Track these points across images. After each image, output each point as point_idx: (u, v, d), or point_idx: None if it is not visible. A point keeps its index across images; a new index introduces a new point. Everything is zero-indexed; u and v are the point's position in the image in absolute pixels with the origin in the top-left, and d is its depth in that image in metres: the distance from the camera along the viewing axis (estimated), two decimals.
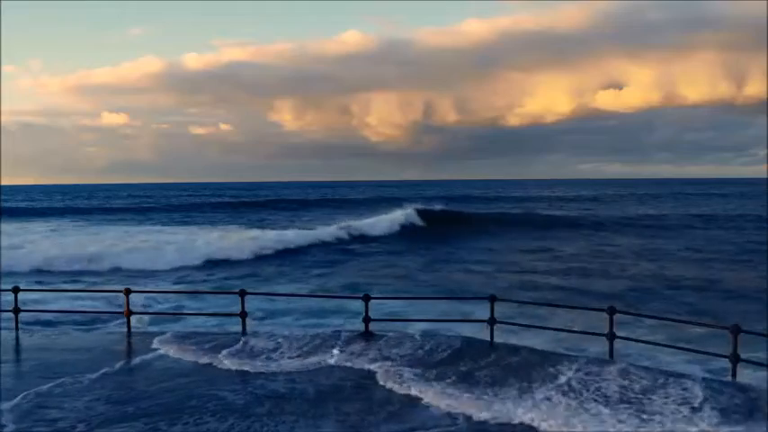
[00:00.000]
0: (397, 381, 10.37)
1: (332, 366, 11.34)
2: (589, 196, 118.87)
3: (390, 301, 19.01)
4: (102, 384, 10.19)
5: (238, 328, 13.80)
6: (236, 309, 13.96)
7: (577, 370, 10.60)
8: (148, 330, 15.19)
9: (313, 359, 11.72)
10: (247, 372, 11.11)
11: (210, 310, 17.45)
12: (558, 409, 9.01)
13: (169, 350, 12.34)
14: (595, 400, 9.33)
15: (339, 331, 13.48)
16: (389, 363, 11.35)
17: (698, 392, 9.44)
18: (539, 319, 16.22)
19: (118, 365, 11.26)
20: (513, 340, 13.35)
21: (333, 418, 8.86)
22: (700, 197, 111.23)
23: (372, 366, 11.19)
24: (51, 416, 8.87)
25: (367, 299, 13.17)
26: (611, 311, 11.36)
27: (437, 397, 9.64)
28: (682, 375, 10.43)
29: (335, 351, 12.09)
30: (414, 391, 9.87)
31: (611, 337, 11.40)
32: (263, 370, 11.17)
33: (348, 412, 9.04)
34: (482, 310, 13.97)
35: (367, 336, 12.95)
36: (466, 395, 9.69)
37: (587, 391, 9.72)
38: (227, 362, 11.63)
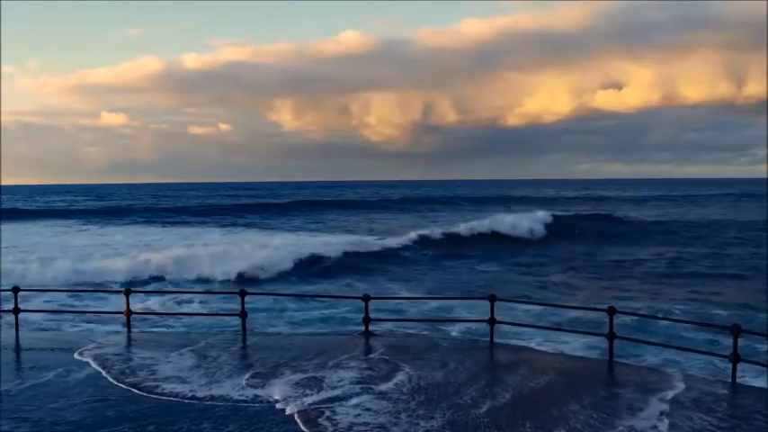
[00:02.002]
0: None
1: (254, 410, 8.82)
2: (650, 196, 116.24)
3: None
4: (81, 388, 9.95)
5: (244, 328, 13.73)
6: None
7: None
8: (152, 330, 15.19)
9: (250, 391, 9.56)
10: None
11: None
12: None
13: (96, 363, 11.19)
14: None
15: (338, 333, 13.44)
16: (342, 404, 8.94)
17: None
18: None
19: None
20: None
21: None
22: None
23: (307, 405, 8.85)
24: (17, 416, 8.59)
25: (367, 299, 13.15)
26: (611, 311, 11.34)
27: None
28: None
29: (296, 375, 10.29)
30: None
31: (611, 337, 11.38)
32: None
33: None
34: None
35: (366, 336, 12.92)
36: None
37: None
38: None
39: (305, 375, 10.29)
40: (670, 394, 9.29)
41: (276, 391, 9.54)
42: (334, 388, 9.63)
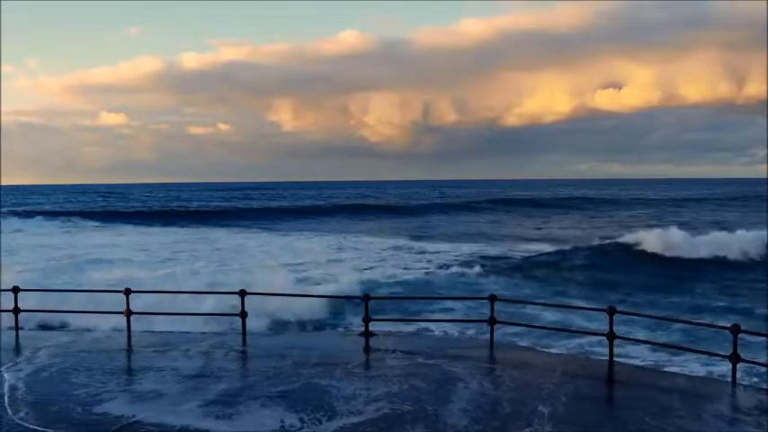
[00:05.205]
0: None
1: None
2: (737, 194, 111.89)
3: None
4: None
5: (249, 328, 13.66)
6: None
7: None
8: (152, 330, 15.12)
9: None
10: None
11: None
12: None
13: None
14: None
15: (339, 334, 13.35)
16: None
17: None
18: None
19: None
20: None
21: None
22: None
23: None
24: None
25: (367, 299, 13.14)
26: (611, 311, 11.34)
27: None
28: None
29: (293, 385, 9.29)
30: None
31: (611, 337, 11.39)
32: None
33: None
34: None
35: (366, 336, 12.91)
36: None
37: None
38: None
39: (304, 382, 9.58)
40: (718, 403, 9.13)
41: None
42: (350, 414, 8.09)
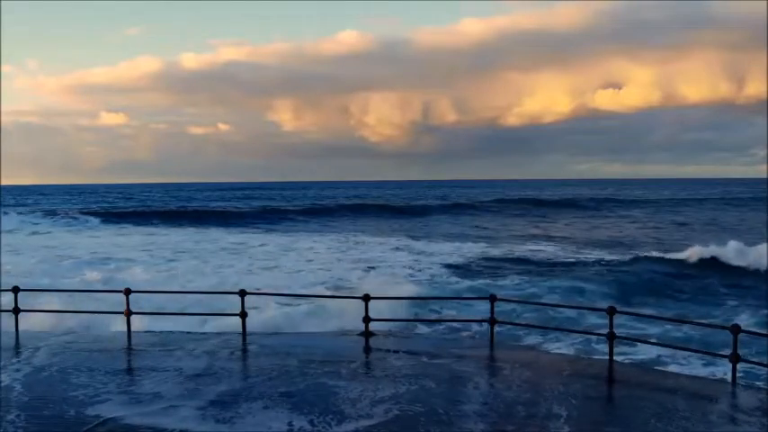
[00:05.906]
0: None
1: None
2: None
3: None
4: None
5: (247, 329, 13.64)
6: None
7: None
8: (152, 330, 15.15)
9: None
10: None
11: None
12: None
13: None
14: None
15: (337, 334, 13.35)
16: None
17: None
18: None
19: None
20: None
21: None
22: None
23: None
24: None
25: (367, 299, 13.11)
26: (611, 311, 11.33)
27: None
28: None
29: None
30: None
31: (611, 337, 11.38)
32: None
33: None
34: None
35: (366, 336, 12.88)
36: None
37: None
38: None
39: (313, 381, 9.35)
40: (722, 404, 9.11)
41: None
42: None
